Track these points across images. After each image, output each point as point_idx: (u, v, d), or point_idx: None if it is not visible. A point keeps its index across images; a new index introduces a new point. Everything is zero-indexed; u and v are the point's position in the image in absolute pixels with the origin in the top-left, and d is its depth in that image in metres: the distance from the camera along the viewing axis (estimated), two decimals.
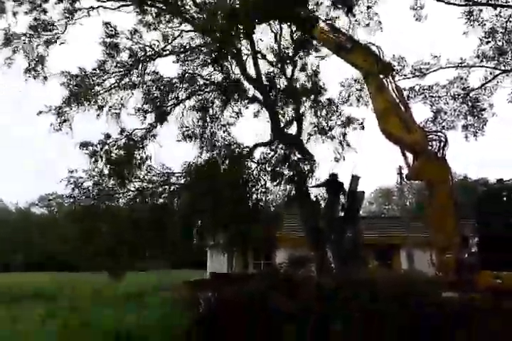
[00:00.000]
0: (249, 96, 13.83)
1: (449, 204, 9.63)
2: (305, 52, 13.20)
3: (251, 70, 13.45)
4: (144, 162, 13.07)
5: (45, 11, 13.72)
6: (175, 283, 15.67)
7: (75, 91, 13.68)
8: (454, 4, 10.51)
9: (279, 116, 13.43)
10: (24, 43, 13.75)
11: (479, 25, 10.30)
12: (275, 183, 12.72)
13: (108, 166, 12.78)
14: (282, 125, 13.49)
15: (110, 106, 14.00)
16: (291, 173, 12.59)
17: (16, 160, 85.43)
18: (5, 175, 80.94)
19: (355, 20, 12.65)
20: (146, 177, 13.05)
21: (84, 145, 13.06)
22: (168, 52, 14.19)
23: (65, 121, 13.76)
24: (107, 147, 13.19)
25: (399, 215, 27.17)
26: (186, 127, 13.96)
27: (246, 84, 13.73)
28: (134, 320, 10.54)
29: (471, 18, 10.34)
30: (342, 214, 12.31)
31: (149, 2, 13.55)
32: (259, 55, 13.37)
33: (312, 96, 13.44)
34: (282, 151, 13.06)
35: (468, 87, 10.91)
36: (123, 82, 14.09)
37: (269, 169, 12.94)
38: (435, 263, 9.95)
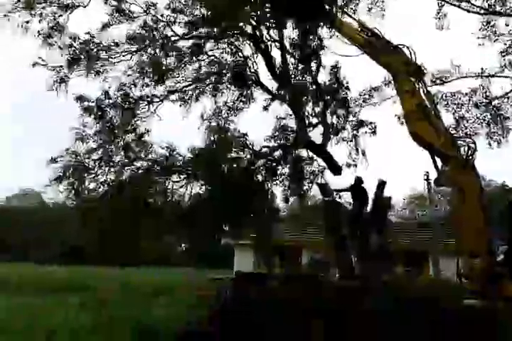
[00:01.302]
0: (264, 86, 13.49)
1: (477, 211, 9.46)
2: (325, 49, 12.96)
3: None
4: (143, 134, 12.60)
5: None
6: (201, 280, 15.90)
7: (78, 54, 12.93)
8: (475, 12, 10.39)
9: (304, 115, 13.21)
10: (42, 8, 13.01)
11: (497, 36, 10.19)
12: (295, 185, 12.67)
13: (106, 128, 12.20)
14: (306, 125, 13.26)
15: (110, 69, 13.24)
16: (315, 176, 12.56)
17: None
18: None
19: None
20: (149, 155, 12.48)
21: (80, 98, 12.48)
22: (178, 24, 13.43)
23: (62, 80, 13.01)
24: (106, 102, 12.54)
25: (429, 221, 26.71)
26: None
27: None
28: (164, 315, 10.74)
29: (489, 28, 10.26)
30: (368, 218, 12.29)
31: None
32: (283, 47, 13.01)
33: (335, 96, 13.33)
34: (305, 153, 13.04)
35: (491, 95, 10.76)
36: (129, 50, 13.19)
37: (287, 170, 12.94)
38: (462, 270, 9.82)
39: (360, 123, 13.67)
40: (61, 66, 13.02)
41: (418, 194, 54.23)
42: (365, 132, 13.67)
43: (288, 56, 13.34)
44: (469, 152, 9.70)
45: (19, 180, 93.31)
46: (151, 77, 13.06)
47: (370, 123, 13.72)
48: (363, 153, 13.72)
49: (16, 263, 35.49)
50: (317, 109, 13.53)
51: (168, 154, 12.42)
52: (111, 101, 12.82)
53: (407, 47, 10.77)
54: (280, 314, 7.40)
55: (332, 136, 13.48)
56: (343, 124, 13.64)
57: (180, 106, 13.81)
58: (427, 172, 21.91)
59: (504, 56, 10.16)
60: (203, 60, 13.63)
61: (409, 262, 19.34)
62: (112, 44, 13.20)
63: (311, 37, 12.95)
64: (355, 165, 13.65)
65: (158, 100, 13.43)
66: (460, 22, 11.36)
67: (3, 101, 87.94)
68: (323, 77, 13.67)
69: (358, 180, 12.47)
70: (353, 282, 9.37)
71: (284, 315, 7.39)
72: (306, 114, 13.50)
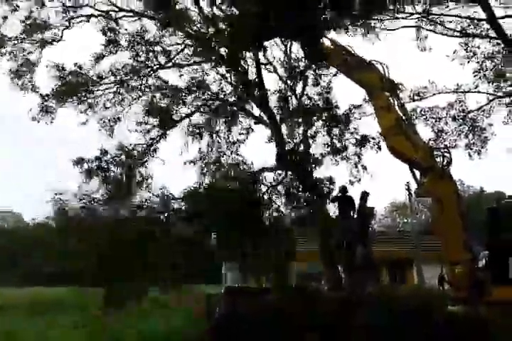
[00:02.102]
0: (255, 116, 13.41)
1: (456, 219, 9.73)
2: (315, 68, 12.92)
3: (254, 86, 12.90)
4: (144, 180, 12.57)
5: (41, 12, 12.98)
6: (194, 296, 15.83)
7: (66, 83, 12.99)
8: (452, 36, 10.99)
9: (286, 136, 13.05)
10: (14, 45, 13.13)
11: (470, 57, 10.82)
12: (288, 206, 12.63)
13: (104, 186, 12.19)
14: (290, 147, 13.11)
15: (104, 116, 13.38)
16: (305, 195, 12.51)
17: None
18: None
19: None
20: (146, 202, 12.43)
21: (78, 162, 12.41)
22: (171, 64, 13.70)
23: (47, 112, 13.20)
24: (103, 164, 12.49)
25: (410, 230, 27.21)
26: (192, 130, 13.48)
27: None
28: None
29: (466, 49, 10.85)
30: (353, 228, 12.52)
31: (151, 14, 12.92)
32: (269, 68, 13.11)
33: (324, 114, 13.16)
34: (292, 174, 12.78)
35: (467, 109, 11.33)
36: (122, 88, 13.44)
37: (282, 191, 12.76)
38: (445, 278, 10.11)
39: (363, 139, 13.35)
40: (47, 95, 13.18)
41: (400, 203, 55.05)
42: (370, 148, 13.36)
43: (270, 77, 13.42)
44: (445, 162, 10.02)
45: None
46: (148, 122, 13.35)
47: (373, 138, 13.32)
48: (364, 168, 13.53)
49: None
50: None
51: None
52: (110, 157, 12.77)
53: (381, 64, 11.00)
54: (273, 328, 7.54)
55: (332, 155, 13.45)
56: (342, 142, 13.46)
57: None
58: (408, 182, 22.35)
59: (478, 74, 10.74)
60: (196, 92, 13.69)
61: (394, 271, 19.65)
62: (101, 75, 13.42)
63: (297, 57, 13.05)
64: (359, 180, 13.49)
65: (155, 141, 13.45)
66: (440, 42, 11.86)
67: None
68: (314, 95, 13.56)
69: (343, 190, 12.72)
70: (341, 294, 9.55)
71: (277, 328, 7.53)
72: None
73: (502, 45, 10.98)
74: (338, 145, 13.28)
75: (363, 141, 13.11)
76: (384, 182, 17.60)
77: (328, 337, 7.41)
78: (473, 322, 7.53)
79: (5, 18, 12.84)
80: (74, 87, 13.03)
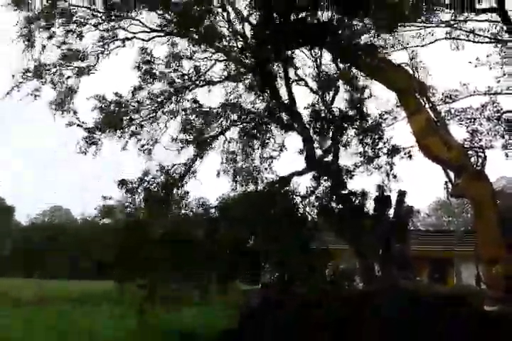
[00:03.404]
0: (286, 125, 13.50)
1: (492, 219, 9.65)
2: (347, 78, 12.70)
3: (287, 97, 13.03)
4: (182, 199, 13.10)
5: (77, 41, 13.20)
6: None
7: (108, 115, 13.38)
8: (482, 42, 10.87)
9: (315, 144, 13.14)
10: (53, 74, 13.31)
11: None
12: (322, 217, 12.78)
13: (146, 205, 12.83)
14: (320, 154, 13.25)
15: (141, 140, 13.84)
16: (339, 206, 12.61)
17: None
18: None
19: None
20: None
21: (122, 183, 13.02)
22: (204, 82, 13.96)
23: (92, 143, 13.53)
24: (145, 184, 13.08)
25: (453, 229, 26.72)
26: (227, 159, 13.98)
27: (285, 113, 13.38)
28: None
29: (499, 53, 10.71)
30: (390, 227, 12.65)
31: (182, 32, 12.94)
32: (300, 82, 13.18)
33: (355, 124, 13.15)
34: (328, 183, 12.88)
35: (502, 109, 11.18)
36: (160, 112, 13.89)
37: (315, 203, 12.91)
38: (483, 277, 10.11)
39: (394, 150, 13.22)
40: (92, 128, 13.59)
41: (443, 201, 53.57)
42: (401, 157, 13.20)
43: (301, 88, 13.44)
44: (479, 162, 10.04)
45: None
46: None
47: (403, 148, 13.13)
48: (395, 177, 13.37)
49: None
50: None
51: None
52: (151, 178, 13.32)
53: (410, 66, 11.09)
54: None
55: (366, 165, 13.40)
56: (375, 151, 13.32)
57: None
58: (446, 181, 21.87)
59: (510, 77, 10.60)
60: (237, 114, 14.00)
61: (435, 269, 19.50)
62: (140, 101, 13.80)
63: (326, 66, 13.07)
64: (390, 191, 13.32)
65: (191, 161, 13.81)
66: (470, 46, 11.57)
67: None
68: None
69: (380, 189, 12.85)
70: (374, 290, 9.78)
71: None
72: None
73: None
74: (371, 154, 13.24)
75: (394, 151, 13.08)
76: (428, 180, 17.33)
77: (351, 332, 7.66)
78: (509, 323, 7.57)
79: (44, 47, 13.05)
80: (116, 118, 13.49)
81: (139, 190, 13.14)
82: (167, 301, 11.70)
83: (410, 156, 12.78)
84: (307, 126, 13.14)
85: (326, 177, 13.01)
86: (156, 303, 11.52)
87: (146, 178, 13.21)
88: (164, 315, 12.00)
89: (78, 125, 13.61)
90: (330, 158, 13.32)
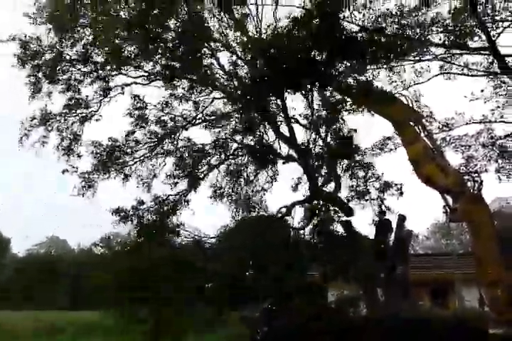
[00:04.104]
0: (284, 156, 14.07)
1: (491, 242, 9.78)
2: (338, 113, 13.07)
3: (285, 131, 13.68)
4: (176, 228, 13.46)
5: (79, 91, 14.08)
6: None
7: (103, 159, 13.97)
8: (477, 76, 11.43)
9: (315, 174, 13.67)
10: (59, 122, 14.14)
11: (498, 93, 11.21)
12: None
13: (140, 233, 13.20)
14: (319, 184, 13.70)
15: (139, 175, 14.51)
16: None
17: None
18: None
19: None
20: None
21: (116, 211, 13.48)
22: (200, 120, 14.63)
23: (89, 186, 14.15)
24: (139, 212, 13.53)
25: (451, 252, 26.73)
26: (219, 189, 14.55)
27: (279, 146, 14.07)
28: None
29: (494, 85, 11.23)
30: (390, 252, 12.77)
31: (178, 76, 13.43)
32: (292, 120, 13.64)
33: (345, 160, 13.71)
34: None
35: (495, 136, 11.67)
36: (154, 152, 14.54)
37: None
38: (485, 300, 10.17)
39: (386, 186, 13.84)
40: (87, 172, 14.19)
41: (441, 224, 53.54)
42: (392, 194, 13.84)
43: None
44: (476, 186, 10.23)
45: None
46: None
47: (396, 184, 13.84)
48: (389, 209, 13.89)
49: None
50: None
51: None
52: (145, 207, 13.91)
53: (405, 96, 11.37)
54: None
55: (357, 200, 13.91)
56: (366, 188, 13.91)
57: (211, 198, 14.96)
58: (445, 206, 22.07)
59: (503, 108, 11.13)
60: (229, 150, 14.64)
61: (436, 293, 19.44)
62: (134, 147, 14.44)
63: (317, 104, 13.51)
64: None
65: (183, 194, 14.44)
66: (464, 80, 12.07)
67: None
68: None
69: (380, 214, 13.06)
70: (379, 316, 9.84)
71: None
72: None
73: None
74: (362, 189, 13.80)
75: (386, 187, 13.66)
76: (426, 203, 17.73)
77: None
78: None
79: (49, 94, 13.91)
80: (111, 162, 14.18)
81: (133, 218, 13.59)
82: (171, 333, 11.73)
83: (402, 193, 13.47)
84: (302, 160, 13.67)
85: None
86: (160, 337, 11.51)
87: (140, 207, 13.71)
88: None
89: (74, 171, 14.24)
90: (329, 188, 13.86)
